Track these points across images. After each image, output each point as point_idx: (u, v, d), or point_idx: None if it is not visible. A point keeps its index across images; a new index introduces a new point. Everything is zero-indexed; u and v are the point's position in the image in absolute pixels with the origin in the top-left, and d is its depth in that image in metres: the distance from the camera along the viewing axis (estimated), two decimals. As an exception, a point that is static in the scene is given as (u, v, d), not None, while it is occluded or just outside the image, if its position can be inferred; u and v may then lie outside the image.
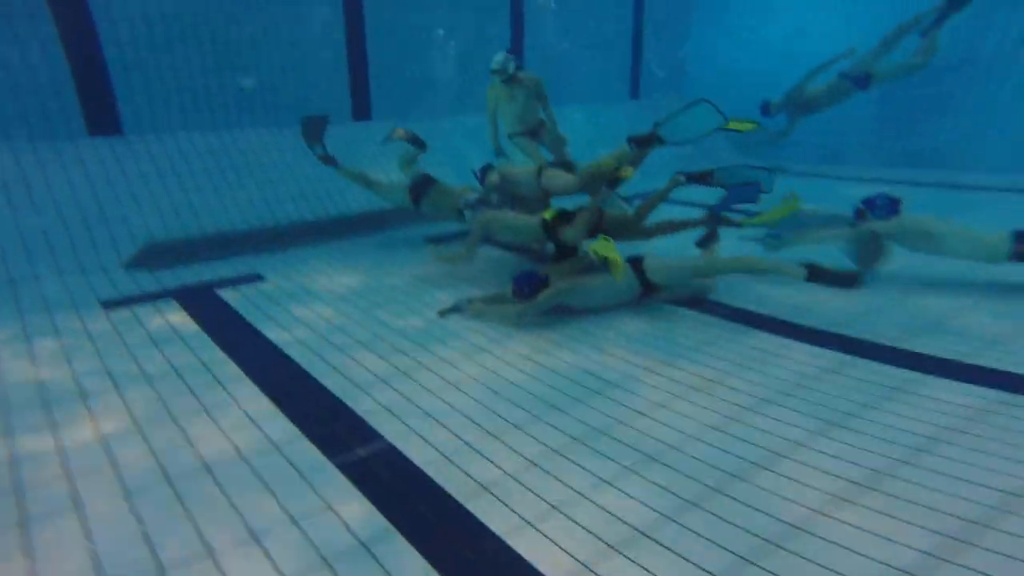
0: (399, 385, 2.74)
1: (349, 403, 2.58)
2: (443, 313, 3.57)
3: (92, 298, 3.86)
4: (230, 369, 2.92)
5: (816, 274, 3.48)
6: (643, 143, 3.86)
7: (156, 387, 2.74)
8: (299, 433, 2.34)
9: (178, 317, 3.58)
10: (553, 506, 1.89)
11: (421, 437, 2.30)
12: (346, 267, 4.57)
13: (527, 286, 3.35)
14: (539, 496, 1.94)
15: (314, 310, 3.71)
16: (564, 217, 3.71)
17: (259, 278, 4.30)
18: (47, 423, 2.43)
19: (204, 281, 4.22)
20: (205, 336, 3.31)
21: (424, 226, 5.57)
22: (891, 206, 3.70)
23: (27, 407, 2.56)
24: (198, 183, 5.08)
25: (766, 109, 6.87)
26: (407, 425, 2.40)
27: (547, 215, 3.74)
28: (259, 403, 2.59)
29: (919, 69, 6.09)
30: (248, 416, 2.47)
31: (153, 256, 4.56)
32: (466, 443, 2.26)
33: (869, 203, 3.77)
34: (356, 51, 6.12)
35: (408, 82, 6.67)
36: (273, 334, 3.35)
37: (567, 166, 4.69)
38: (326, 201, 5.61)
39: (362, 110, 6.37)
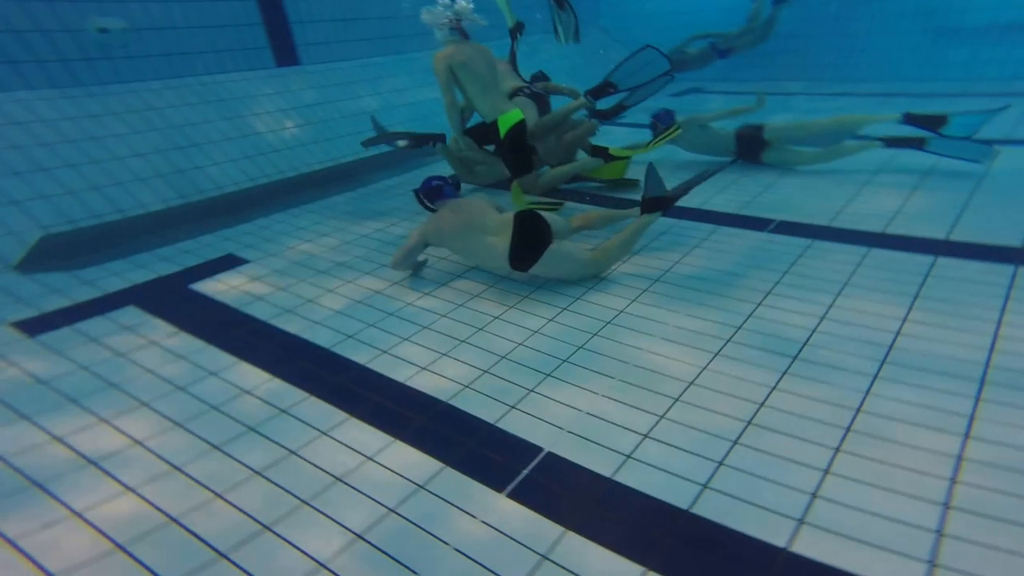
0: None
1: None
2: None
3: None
4: (294, 396, 2.08)
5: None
6: (599, 93, 3.83)
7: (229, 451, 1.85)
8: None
9: (161, 331, 2.55)
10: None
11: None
12: (338, 229, 3.65)
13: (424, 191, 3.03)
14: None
15: (338, 292, 2.87)
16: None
17: (239, 261, 3.28)
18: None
19: (161, 276, 3.13)
20: (224, 355, 2.36)
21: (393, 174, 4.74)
22: (668, 116, 4.31)
23: None
24: (104, 152, 3.80)
25: None
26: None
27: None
28: (370, 435, 1.83)
29: (763, 41, 7.07)
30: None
31: (54, 253, 3.31)
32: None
33: (656, 116, 4.35)
34: None
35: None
36: (324, 338, 2.49)
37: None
38: (275, 160, 4.54)
39: (287, 56, 5.28)
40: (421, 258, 3.00)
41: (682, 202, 3.34)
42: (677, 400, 1.95)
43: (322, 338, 2.46)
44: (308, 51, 5.42)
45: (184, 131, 4.28)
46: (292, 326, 2.56)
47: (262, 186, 4.36)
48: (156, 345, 2.44)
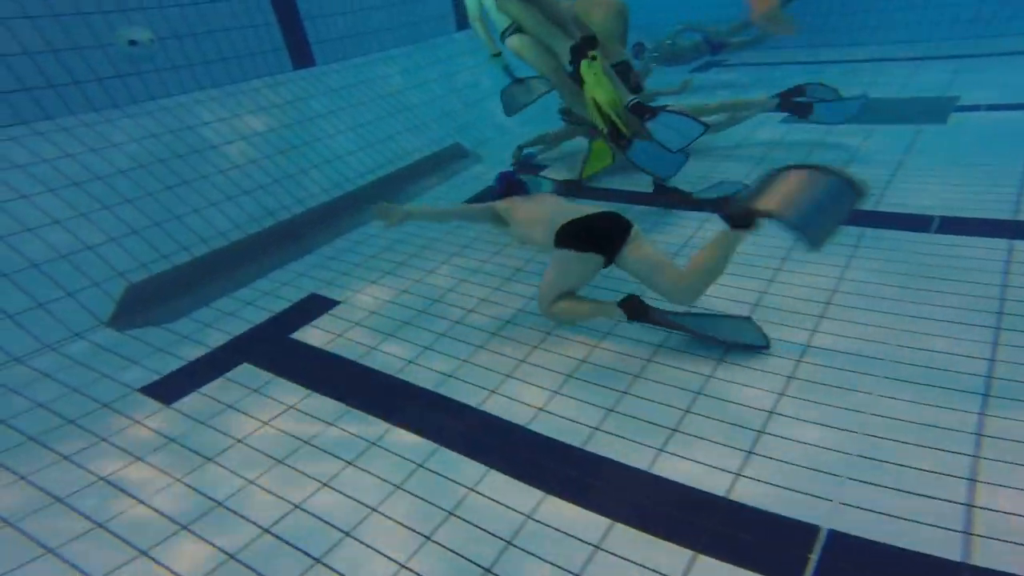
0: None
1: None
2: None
3: (115, 387, 2.72)
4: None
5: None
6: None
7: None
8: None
9: (290, 392, 2.68)
10: None
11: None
12: (411, 255, 3.79)
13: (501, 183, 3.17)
14: None
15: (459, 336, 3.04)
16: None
17: (328, 303, 3.39)
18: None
19: (256, 325, 3.22)
20: (368, 418, 2.53)
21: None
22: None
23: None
24: (159, 183, 3.75)
25: (639, 50, 7.26)
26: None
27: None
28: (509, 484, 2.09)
29: (761, 41, 7.22)
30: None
31: (138, 304, 3.33)
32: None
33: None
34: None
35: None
36: (461, 392, 2.68)
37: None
38: (318, 179, 4.56)
39: (303, 57, 5.17)
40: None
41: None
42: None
43: (460, 392, 2.56)
44: (322, 49, 5.32)
45: (223, 151, 4.22)
46: (424, 380, 2.66)
47: (313, 210, 4.38)
48: (297, 411, 2.56)
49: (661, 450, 2.12)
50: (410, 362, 2.82)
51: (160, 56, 4.12)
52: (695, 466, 2.03)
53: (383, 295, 3.41)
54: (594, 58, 3.46)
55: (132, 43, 3.89)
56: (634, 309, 2.61)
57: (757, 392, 2.33)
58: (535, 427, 2.31)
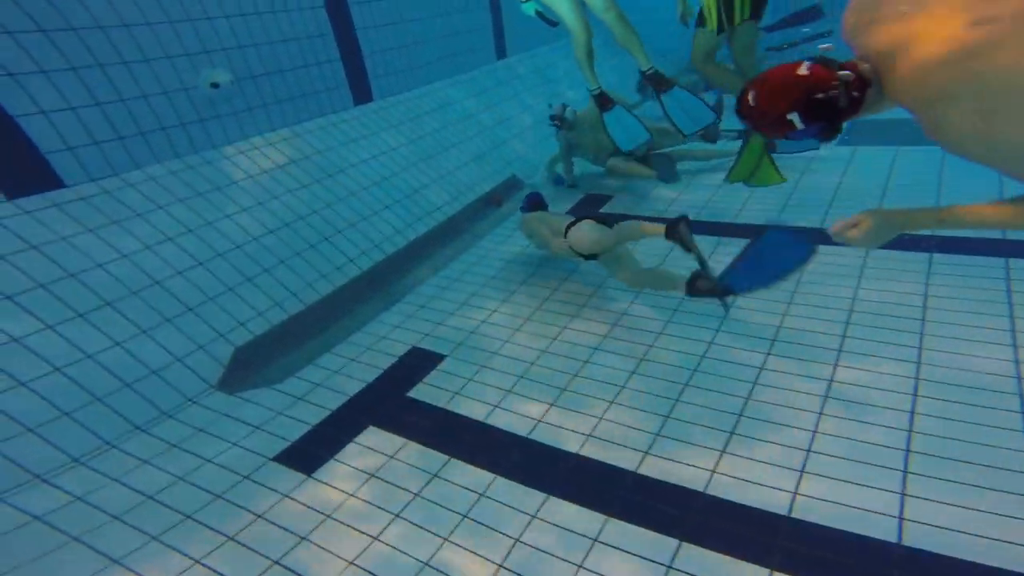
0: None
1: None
2: None
3: (249, 456, 2.76)
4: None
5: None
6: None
7: None
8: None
9: (431, 460, 2.74)
10: None
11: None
12: (501, 299, 3.88)
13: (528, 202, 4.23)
14: None
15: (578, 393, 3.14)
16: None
17: (433, 357, 3.47)
18: None
19: (369, 384, 3.28)
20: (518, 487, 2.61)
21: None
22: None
23: None
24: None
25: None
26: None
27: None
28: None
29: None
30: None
31: (243, 365, 3.37)
32: None
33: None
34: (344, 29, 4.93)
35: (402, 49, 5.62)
36: (619, 457, 2.76)
37: None
38: (391, 219, 4.63)
39: (362, 93, 5.24)
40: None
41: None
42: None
43: (609, 453, 2.63)
44: (379, 84, 5.40)
45: (299, 195, 4.27)
46: (567, 443, 2.73)
47: (392, 256, 4.44)
48: (443, 480, 2.62)
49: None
50: (539, 421, 2.90)
51: (238, 98, 4.16)
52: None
53: (486, 346, 3.50)
54: None
55: (214, 85, 3.93)
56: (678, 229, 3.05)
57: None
58: (719, 493, 2.40)
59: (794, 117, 1.63)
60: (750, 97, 1.73)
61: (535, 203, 4.25)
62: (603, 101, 4.44)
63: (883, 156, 5.28)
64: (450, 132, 5.75)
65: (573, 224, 3.51)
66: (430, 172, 5.26)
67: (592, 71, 4.32)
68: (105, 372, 2.97)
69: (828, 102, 1.60)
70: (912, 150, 5.26)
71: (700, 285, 3.11)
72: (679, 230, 3.00)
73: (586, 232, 3.41)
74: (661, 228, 3.07)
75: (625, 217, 3.81)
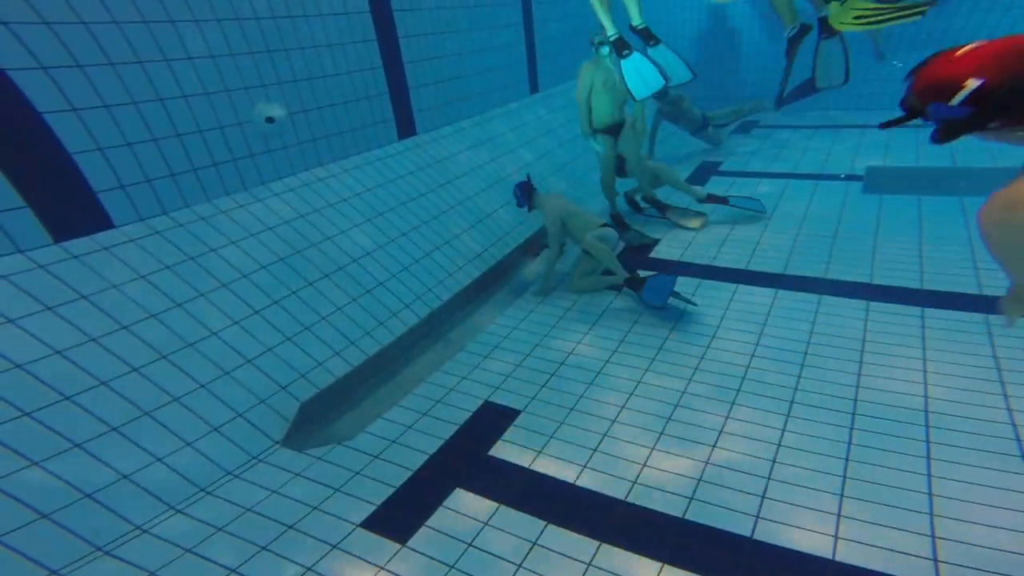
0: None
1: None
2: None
3: (335, 523, 2.64)
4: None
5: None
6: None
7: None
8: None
9: (524, 526, 2.64)
10: None
11: None
12: (557, 350, 3.82)
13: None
14: None
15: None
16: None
17: (509, 412, 3.38)
18: None
19: (446, 441, 3.18)
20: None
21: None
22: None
23: None
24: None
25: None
26: None
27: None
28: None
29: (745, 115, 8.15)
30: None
31: (313, 419, 3.25)
32: None
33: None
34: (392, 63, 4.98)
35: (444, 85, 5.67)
36: (726, 520, 2.69)
37: None
38: (442, 262, 4.57)
39: (406, 125, 5.26)
40: None
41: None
42: None
43: (715, 516, 2.56)
44: (422, 118, 5.43)
45: (351, 236, 4.22)
46: (666, 504, 2.67)
47: (448, 302, 4.37)
48: (544, 549, 2.52)
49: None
50: (634, 483, 2.83)
51: (289, 133, 4.13)
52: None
53: (560, 400, 3.43)
54: None
55: (269, 120, 3.90)
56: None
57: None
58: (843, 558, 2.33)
59: (971, 84, 1.36)
60: (969, 48, 1.43)
61: (528, 188, 4.74)
62: (620, 46, 4.70)
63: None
64: (489, 170, 5.76)
65: (605, 225, 4.51)
66: (474, 212, 5.25)
67: (608, 16, 4.68)
68: (164, 431, 2.84)
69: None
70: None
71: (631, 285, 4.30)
72: (634, 285, 4.27)
73: (606, 239, 4.45)
74: (623, 278, 4.33)
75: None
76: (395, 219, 4.58)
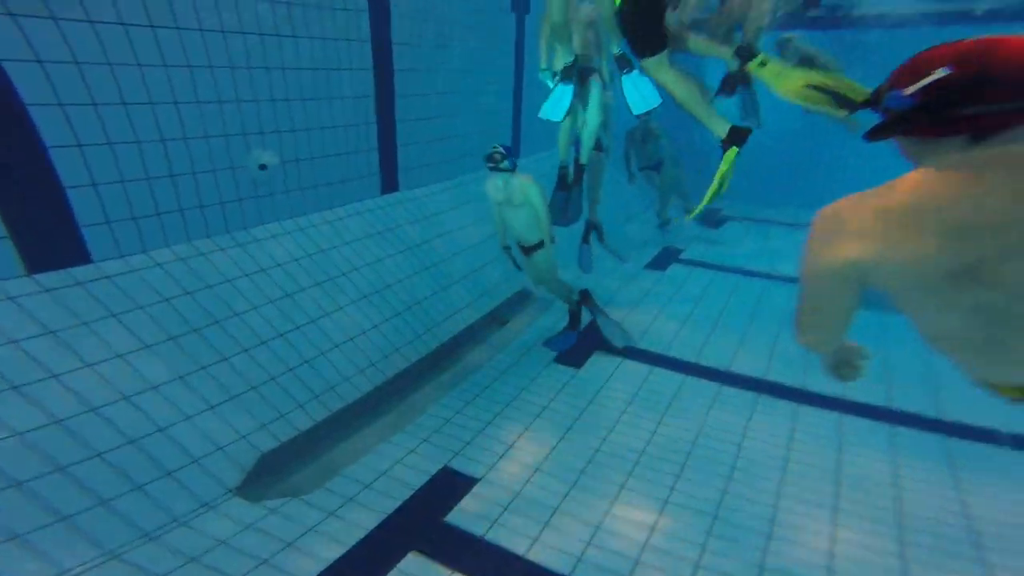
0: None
1: None
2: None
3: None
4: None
5: None
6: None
7: None
8: None
9: None
10: None
11: None
12: (526, 425, 3.98)
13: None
14: None
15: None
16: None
17: (467, 480, 3.50)
18: None
19: (402, 503, 3.27)
20: None
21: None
22: None
23: None
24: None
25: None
26: None
27: None
28: None
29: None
30: None
31: (270, 471, 3.32)
32: None
33: None
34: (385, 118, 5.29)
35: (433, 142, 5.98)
36: None
37: None
38: (411, 321, 4.73)
39: (390, 181, 5.51)
40: None
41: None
42: None
43: None
44: (407, 176, 5.68)
45: (326, 288, 4.37)
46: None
47: (414, 365, 4.52)
48: None
49: None
50: (580, 559, 2.96)
51: (277, 180, 4.33)
52: None
53: (519, 472, 3.57)
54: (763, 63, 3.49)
55: (263, 167, 4.09)
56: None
57: None
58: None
59: (939, 72, 1.27)
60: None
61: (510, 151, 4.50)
62: (623, 62, 4.89)
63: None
64: (470, 232, 6.01)
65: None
66: (448, 275, 5.46)
67: (567, 47, 4.78)
68: (113, 472, 2.88)
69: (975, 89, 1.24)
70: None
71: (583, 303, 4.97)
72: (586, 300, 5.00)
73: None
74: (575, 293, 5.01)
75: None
76: (370, 276, 4.75)
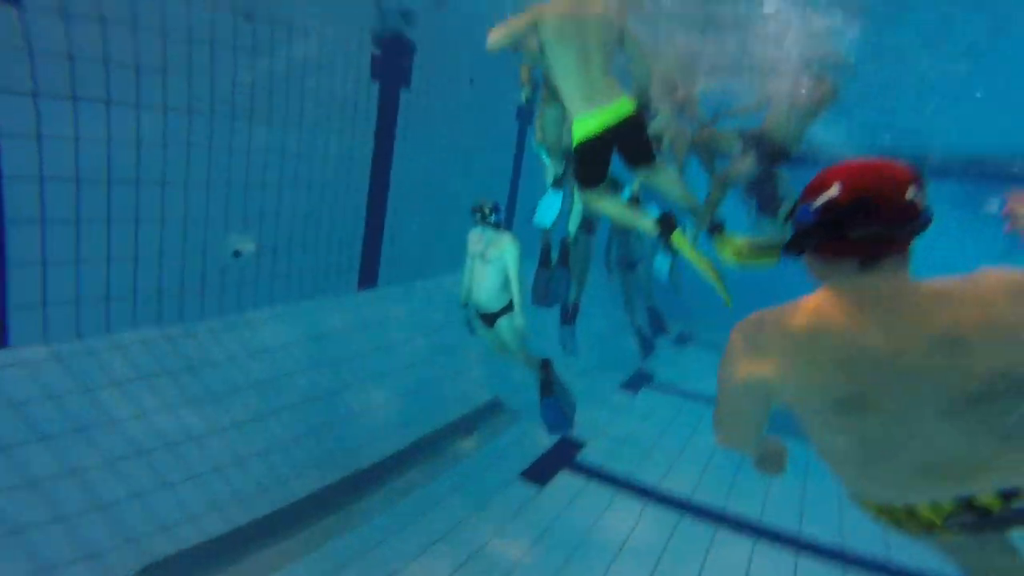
0: None
1: None
2: None
3: None
4: None
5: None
6: None
7: None
8: None
9: None
10: None
11: None
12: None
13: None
14: None
15: None
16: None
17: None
18: None
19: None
20: None
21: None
22: None
23: None
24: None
25: None
26: None
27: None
28: None
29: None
30: None
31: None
32: None
33: None
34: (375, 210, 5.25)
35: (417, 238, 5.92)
36: None
37: None
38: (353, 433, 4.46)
39: (369, 276, 5.39)
40: None
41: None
42: None
43: None
44: (387, 271, 5.56)
45: (271, 388, 4.15)
46: None
47: (348, 478, 4.26)
48: None
49: None
50: None
51: (250, 268, 4.18)
52: None
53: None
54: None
55: (236, 254, 3.95)
56: None
57: None
58: None
59: (833, 189, 1.33)
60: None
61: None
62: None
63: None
64: (437, 338, 5.83)
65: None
66: (406, 383, 5.24)
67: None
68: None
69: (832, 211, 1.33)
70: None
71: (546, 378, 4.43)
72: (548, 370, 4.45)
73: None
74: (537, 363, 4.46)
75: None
76: (315, 378, 4.54)
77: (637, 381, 7.48)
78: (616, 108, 3.18)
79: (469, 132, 6.25)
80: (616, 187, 4.84)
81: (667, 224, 3.24)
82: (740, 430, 1.64)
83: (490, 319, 4.41)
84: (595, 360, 6.36)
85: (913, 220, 1.29)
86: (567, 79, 3.25)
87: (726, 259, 3.37)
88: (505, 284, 4.23)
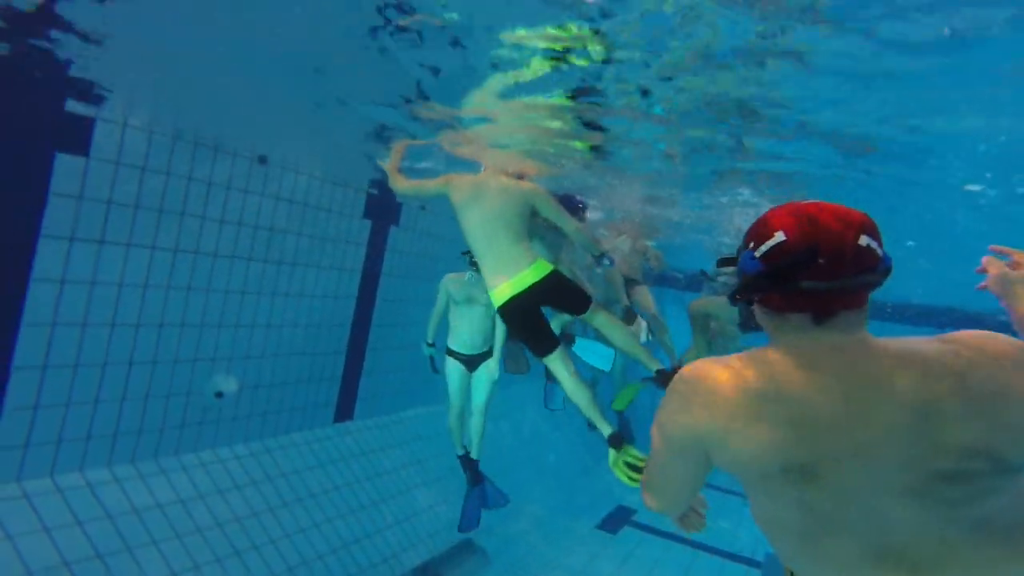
0: None
1: None
2: None
3: None
4: None
5: None
6: None
7: None
8: None
9: None
10: None
11: None
12: None
13: None
14: None
15: None
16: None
17: None
18: None
19: None
20: None
21: None
22: None
23: None
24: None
25: None
26: None
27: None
28: None
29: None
30: None
31: None
32: None
33: None
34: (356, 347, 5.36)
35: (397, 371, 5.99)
36: None
37: None
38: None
39: (346, 409, 5.39)
40: None
41: None
42: None
43: None
44: (364, 406, 5.57)
45: (249, 523, 4.03)
46: None
47: None
48: None
49: None
50: None
51: (229, 406, 4.18)
52: None
53: None
54: None
55: (218, 395, 3.96)
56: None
57: None
58: None
59: (778, 236, 1.22)
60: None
61: None
62: (568, 339, 4.60)
63: None
64: (412, 471, 5.76)
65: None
66: (376, 521, 5.12)
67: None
68: None
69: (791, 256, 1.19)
70: None
71: None
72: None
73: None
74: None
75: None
76: (295, 515, 4.43)
77: (617, 519, 7.36)
78: (524, 278, 3.14)
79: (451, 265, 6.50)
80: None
81: (617, 441, 3.11)
82: (673, 495, 1.49)
83: (473, 362, 4.35)
84: (565, 497, 6.27)
85: (871, 269, 1.17)
86: (475, 249, 3.27)
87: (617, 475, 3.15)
88: (494, 325, 4.20)
